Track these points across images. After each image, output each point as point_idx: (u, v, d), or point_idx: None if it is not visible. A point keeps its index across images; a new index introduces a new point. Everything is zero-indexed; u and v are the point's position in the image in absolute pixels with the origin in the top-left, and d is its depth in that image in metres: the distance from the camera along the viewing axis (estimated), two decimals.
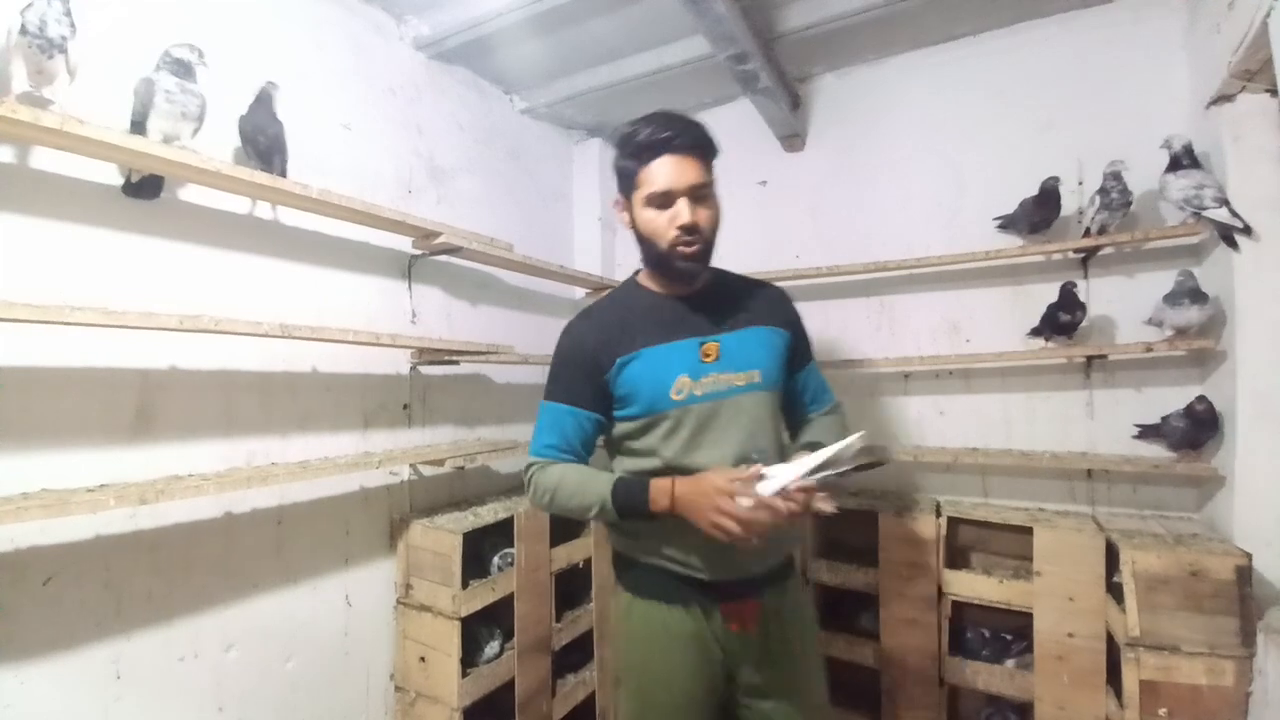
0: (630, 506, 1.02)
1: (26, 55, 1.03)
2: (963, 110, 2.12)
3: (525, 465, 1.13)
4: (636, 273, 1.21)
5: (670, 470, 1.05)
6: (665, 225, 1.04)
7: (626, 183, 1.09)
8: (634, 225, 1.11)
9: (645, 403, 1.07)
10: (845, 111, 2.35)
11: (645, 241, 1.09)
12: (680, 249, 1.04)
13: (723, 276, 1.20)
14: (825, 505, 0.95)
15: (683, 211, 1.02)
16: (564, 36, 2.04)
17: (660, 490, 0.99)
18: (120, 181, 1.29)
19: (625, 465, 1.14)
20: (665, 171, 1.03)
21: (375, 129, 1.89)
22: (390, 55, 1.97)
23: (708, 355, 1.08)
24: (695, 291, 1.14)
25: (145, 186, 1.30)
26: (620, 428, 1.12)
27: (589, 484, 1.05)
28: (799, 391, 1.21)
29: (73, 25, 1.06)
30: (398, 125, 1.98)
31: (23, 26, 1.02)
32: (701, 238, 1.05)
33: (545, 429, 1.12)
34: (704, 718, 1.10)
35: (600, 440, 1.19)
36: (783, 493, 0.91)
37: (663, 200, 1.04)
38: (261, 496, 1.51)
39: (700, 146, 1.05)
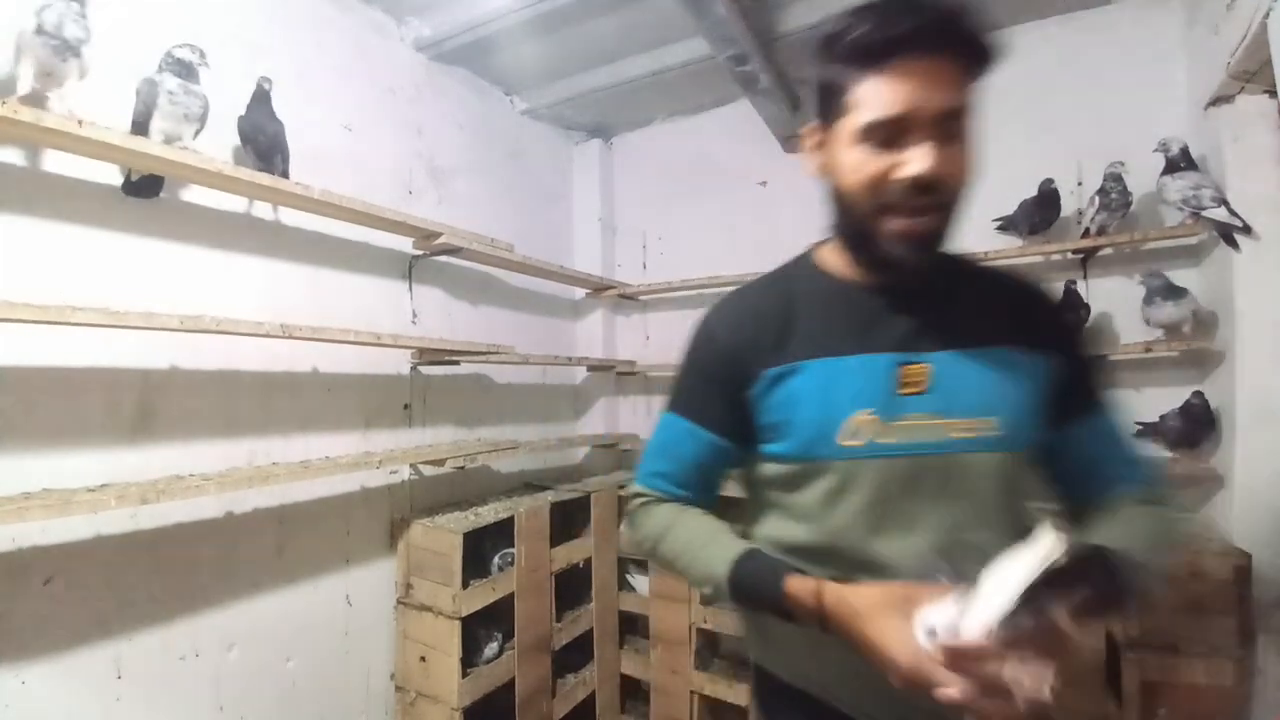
0: (755, 600, 0.69)
1: (40, 55, 1.03)
2: None
3: (630, 493, 0.85)
4: (816, 245, 0.82)
5: (835, 553, 0.70)
6: (882, 175, 0.64)
7: (828, 103, 0.69)
8: (827, 171, 0.72)
9: (799, 442, 0.72)
10: None
11: (841, 198, 0.70)
12: (899, 219, 0.65)
13: (949, 261, 0.76)
14: (1038, 686, 0.50)
15: (917, 154, 0.62)
16: (564, 37, 2.04)
17: (804, 594, 0.64)
18: (119, 180, 1.29)
19: (770, 529, 0.79)
20: (897, 87, 0.63)
21: (376, 129, 1.89)
22: (390, 56, 1.97)
23: (910, 383, 0.70)
24: (904, 281, 0.72)
25: (145, 185, 1.30)
26: (765, 469, 0.77)
27: (703, 550, 0.74)
28: (1078, 458, 0.74)
29: (88, 29, 1.07)
30: (398, 126, 1.98)
31: (39, 26, 1.02)
32: (941, 200, 0.65)
33: (657, 450, 0.83)
34: None
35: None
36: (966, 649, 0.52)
37: (887, 133, 0.64)
38: (262, 496, 1.51)
39: (963, 45, 0.65)
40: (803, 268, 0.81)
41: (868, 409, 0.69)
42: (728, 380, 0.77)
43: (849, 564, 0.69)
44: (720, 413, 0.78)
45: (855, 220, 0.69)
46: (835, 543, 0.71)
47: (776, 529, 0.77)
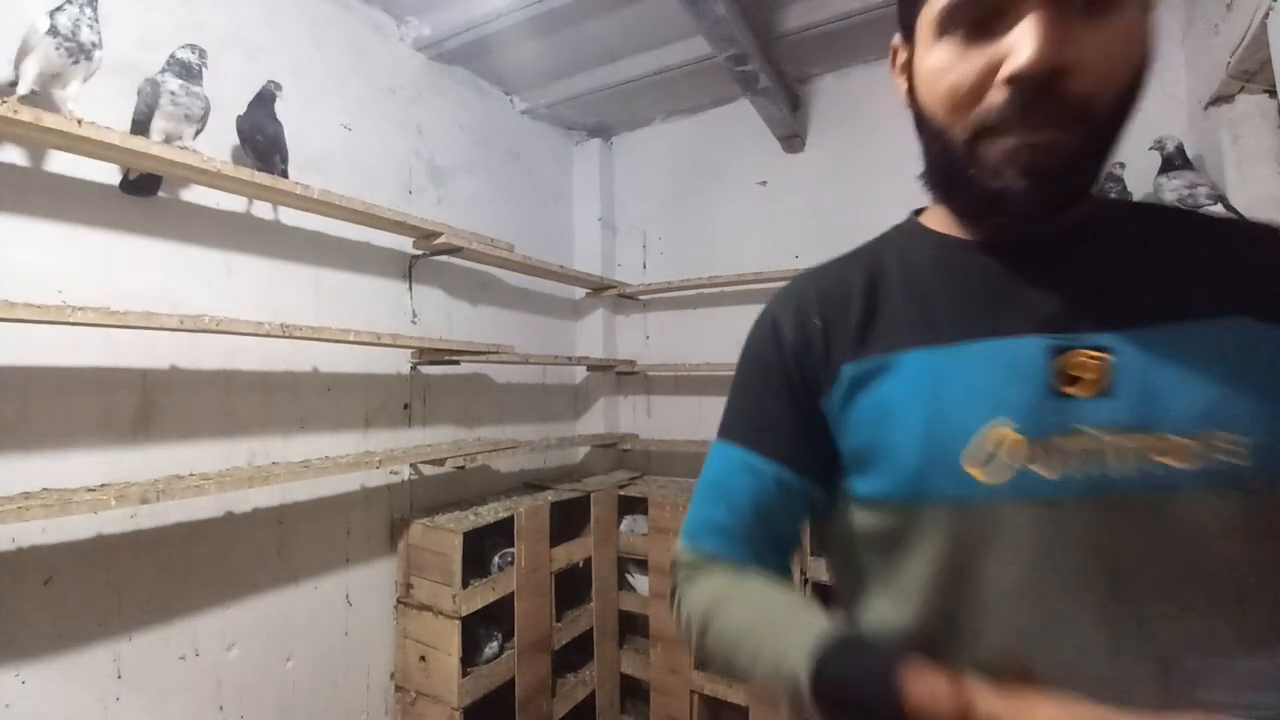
0: (854, 713, 0.42)
1: (49, 56, 1.03)
2: None
3: (673, 558, 0.59)
4: (918, 211, 0.60)
5: (967, 658, 0.44)
6: (976, 81, 0.43)
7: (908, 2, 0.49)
8: (913, 95, 0.50)
9: (898, 476, 0.48)
10: (845, 112, 2.35)
11: (924, 126, 0.49)
12: (1005, 137, 0.42)
13: (1122, 208, 0.54)
14: None
15: (1024, 41, 0.40)
16: (564, 37, 2.04)
17: (933, 703, 0.39)
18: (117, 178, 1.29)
19: (870, 615, 0.52)
20: None
21: (375, 129, 1.89)
22: (390, 55, 1.97)
23: (1079, 379, 0.44)
24: (1047, 235, 0.49)
25: (142, 184, 1.30)
26: (855, 519, 0.52)
27: (772, 634, 0.48)
28: None
29: (100, 33, 1.06)
30: (398, 125, 1.98)
31: (52, 27, 1.01)
32: (1071, 107, 0.41)
33: (705, 494, 0.59)
34: None
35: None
36: None
37: (978, 13, 0.42)
38: (262, 496, 1.51)
39: None
40: (909, 233, 0.58)
41: (1006, 420, 0.44)
42: (795, 387, 0.54)
43: (991, 676, 0.41)
44: (787, 434, 0.54)
45: (945, 154, 0.46)
46: (966, 640, 0.45)
47: (877, 614, 0.50)
